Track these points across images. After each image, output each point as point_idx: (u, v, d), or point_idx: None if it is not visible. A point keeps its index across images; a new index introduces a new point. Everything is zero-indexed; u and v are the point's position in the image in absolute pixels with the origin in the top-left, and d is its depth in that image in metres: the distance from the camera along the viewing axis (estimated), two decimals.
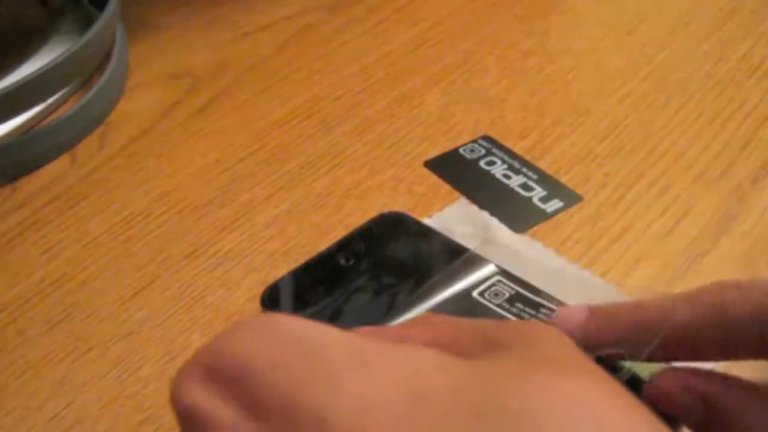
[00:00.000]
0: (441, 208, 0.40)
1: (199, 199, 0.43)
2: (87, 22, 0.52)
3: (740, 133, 0.43)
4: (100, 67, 0.51)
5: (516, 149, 0.44)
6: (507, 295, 0.33)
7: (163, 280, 0.38)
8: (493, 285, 0.34)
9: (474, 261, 0.35)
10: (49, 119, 0.48)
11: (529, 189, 0.41)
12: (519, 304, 0.33)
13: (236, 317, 0.36)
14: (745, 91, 0.46)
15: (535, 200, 0.40)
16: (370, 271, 0.36)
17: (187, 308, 0.37)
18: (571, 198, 0.40)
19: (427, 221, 0.39)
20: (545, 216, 0.39)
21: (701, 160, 0.42)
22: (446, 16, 0.56)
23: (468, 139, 0.45)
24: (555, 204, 0.40)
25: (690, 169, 0.41)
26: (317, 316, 0.34)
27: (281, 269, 0.38)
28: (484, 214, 0.39)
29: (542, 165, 0.43)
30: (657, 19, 0.54)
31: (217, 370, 0.20)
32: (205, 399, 0.19)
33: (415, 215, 0.39)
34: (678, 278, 0.35)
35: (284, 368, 0.19)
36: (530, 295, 0.33)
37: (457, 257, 0.36)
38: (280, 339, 0.20)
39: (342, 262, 0.37)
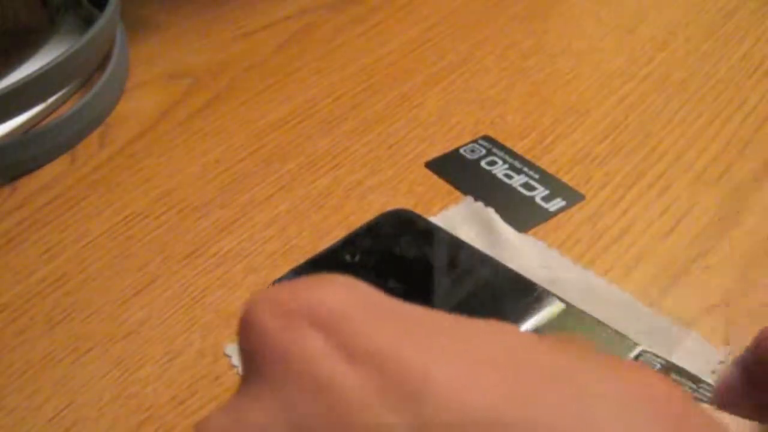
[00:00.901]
0: (441, 208, 0.40)
1: (199, 199, 0.43)
2: (87, 22, 0.52)
3: (740, 133, 0.43)
4: (100, 67, 0.51)
5: (516, 149, 0.44)
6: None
7: (163, 280, 0.38)
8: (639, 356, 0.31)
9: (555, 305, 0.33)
10: (49, 119, 0.48)
11: (531, 188, 0.41)
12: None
13: (236, 317, 0.36)
14: (745, 91, 0.46)
15: (538, 199, 0.40)
16: (375, 269, 0.36)
17: (187, 308, 0.37)
18: (573, 197, 0.40)
19: (432, 219, 0.39)
20: (548, 215, 0.39)
21: (701, 160, 0.42)
22: (446, 16, 0.56)
23: (468, 139, 0.45)
24: (557, 203, 0.40)
25: (690, 169, 0.41)
26: None
27: (281, 269, 0.38)
28: (490, 212, 0.39)
29: (542, 165, 0.43)
30: (657, 19, 0.54)
31: (306, 311, 0.18)
32: (295, 332, 0.18)
33: None
34: (678, 278, 0.35)
35: (382, 321, 0.18)
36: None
37: (476, 261, 0.35)
38: (368, 297, 0.19)
39: (348, 258, 0.37)
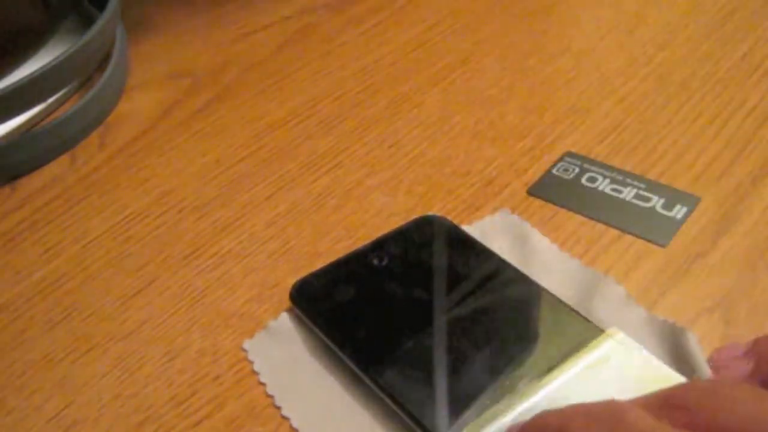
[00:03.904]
0: (442, 209, 0.40)
1: (199, 199, 0.43)
2: (87, 22, 0.52)
3: (740, 133, 0.43)
4: (100, 67, 0.51)
5: (516, 149, 0.44)
6: None
7: (163, 280, 0.38)
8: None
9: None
10: (49, 119, 0.48)
11: (646, 199, 0.39)
12: None
13: (236, 317, 0.36)
14: (745, 91, 0.46)
15: (659, 209, 0.39)
16: (402, 274, 0.35)
17: (187, 308, 0.37)
18: (690, 200, 0.39)
19: (466, 228, 0.38)
20: (678, 223, 0.38)
21: (701, 160, 0.42)
22: (446, 16, 0.56)
23: (470, 138, 0.45)
24: (680, 209, 0.38)
25: (690, 169, 0.41)
26: (346, 315, 0.34)
27: (281, 269, 0.38)
28: (526, 226, 0.38)
29: (542, 166, 0.42)
30: (657, 19, 0.54)
31: None
32: None
33: (416, 215, 0.39)
34: (678, 278, 0.35)
35: None
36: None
37: (502, 273, 0.34)
38: None
39: (375, 262, 0.36)
